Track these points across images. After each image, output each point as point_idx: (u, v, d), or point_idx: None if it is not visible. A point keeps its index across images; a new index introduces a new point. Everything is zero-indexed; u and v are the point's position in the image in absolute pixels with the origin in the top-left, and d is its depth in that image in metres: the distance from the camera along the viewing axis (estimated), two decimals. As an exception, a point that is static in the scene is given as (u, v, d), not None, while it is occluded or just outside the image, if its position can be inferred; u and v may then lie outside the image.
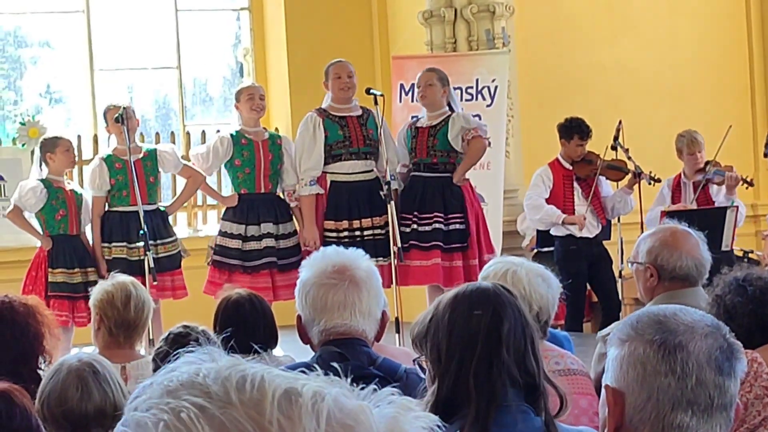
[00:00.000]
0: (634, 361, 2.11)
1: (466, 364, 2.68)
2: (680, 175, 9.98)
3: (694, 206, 9.73)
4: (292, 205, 8.78)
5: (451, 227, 8.55)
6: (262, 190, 8.78)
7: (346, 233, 8.53)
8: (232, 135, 8.86)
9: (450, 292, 2.83)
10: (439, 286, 8.55)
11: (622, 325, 2.18)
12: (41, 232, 8.84)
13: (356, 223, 8.56)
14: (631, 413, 2.11)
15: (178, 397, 1.10)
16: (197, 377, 1.12)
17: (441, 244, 8.50)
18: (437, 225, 8.52)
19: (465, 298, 2.76)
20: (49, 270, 8.69)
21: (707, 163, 9.82)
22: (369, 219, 8.57)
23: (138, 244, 8.61)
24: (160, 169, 8.98)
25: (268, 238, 8.66)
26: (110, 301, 4.90)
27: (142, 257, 8.56)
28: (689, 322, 2.13)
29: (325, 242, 8.30)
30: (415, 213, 8.57)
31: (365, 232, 8.55)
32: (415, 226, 8.55)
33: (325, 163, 8.63)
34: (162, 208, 9.02)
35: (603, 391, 2.17)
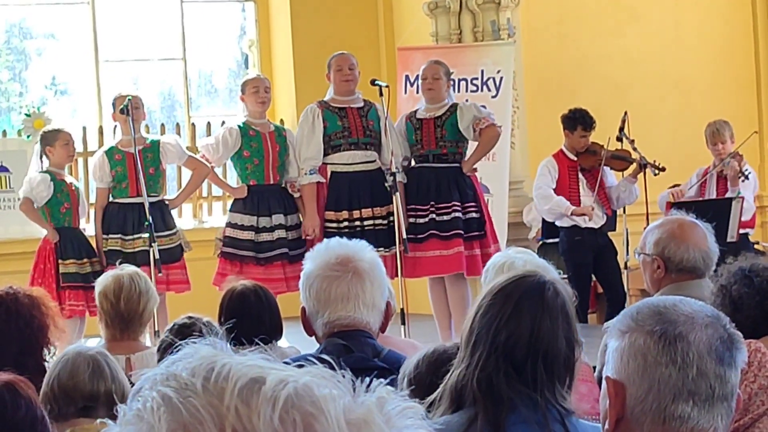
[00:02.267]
0: (635, 353, 2.11)
1: (496, 350, 2.67)
2: (711, 165, 9.99)
3: (701, 197, 9.75)
4: (295, 195, 8.79)
5: (468, 216, 8.59)
6: (271, 182, 8.78)
7: (346, 223, 8.54)
8: (240, 126, 8.85)
9: (500, 280, 2.81)
10: (443, 277, 8.57)
11: (621, 317, 2.17)
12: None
13: (356, 213, 8.57)
14: (632, 404, 2.11)
15: (154, 388, 1.12)
16: (177, 369, 1.13)
17: (462, 232, 8.52)
18: (456, 214, 8.54)
19: (509, 287, 2.75)
20: (60, 261, 8.70)
21: (730, 154, 9.82)
22: (369, 209, 8.58)
23: (137, 235, 8.63)
24: (162, 161, 8.96)
25: (280, 229, 8.67)
26: (104, 293, 4.91)
27: (137, 249, 8.58)
28: (689, 312, 2.13)
29: (326, 233, 8.32)
30: (432, 203, 8.57)
31: (365, 222, 8.56)
32: (433, 216, 8.56)
33: (325, 154, 8.64)
34: (166, 201, 9.01)
35: (604, 383, 2.16)
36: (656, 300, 2.19)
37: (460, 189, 8.63)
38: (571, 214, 9.74)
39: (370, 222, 8.57)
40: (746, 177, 9.73)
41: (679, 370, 2.08)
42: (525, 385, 2.65)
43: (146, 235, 8.54)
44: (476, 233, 8.62)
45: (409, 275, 8.64)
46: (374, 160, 8.69)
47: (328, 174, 8.65)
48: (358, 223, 8.55)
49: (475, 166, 8.76)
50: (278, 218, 8.68)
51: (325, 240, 3.59)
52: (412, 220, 8.59)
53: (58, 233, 8.75)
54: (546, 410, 2.62)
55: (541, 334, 2.67)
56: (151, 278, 6.64)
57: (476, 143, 8.78)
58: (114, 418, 1.17)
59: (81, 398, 3.61)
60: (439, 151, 8.68)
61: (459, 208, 8.56)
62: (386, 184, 8.42)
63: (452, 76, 9.02)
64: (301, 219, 8.80)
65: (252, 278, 7.62)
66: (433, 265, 8.54)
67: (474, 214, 8.64)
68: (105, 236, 8.81)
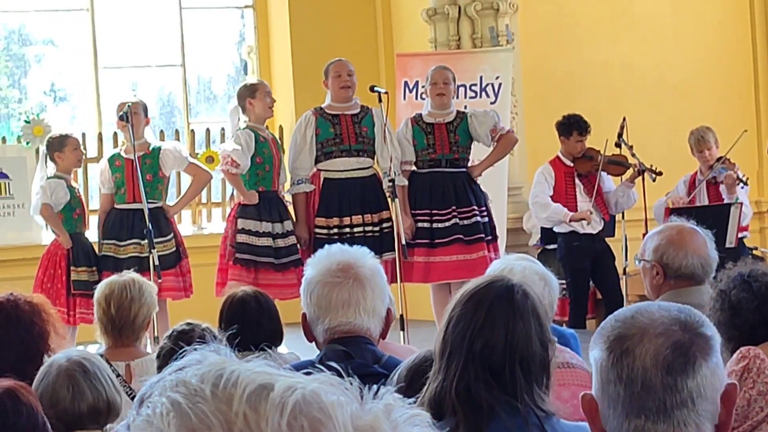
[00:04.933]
0: (598, 368, 2.10)
1: (473, 359, 2.67)
2: (696, 172, 9.97)
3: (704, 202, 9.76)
4: (286, 202, 8.80)
5: (484, 220, 8.67)
6: (276, 188, 8.79)
7: (336, 230, 8.55)
8: (251, 130, 8.77)
9: (468, 287, 2.82)
10: (448, 283, 8.59)
11: (598, 329, 2.16)
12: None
13: (346, 220, 8.58)
14: (603, 421, 2.08)
15: (163, 394, 1.14)
16: (187, 375, 1.14)
17: (483, 236, 8.60)
18: (476, 218, 8.61)
19: (478, 294, 2.76)
20: (73, 268, 8.68)
21: (719, 159, 9.80)
22: (360, 216, 8.59)
23: (130, 241, 8.63)
24: (161, 168, 8.95)
25: (292, 235, 8.67)
26: (97, 300, 4.92)
27: (128, 255, 8.58)
28: (645, 323, 2.08)
29: (316, 239, 8.35)
30: (454, 207, 8.61)
31: (355, 229, 8.56)
32: (456, 220, 8.59)
33: (319, 161, 8.66)
34: (163, 208, 8.98)
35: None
36: (622, 311, 2.15)
37: (475, 194, 8.71)
38: (570, 221, 9.76)
39: (360, 229, 8.58)
40: (745, 183, 9.74)
41: (625, 387, 2.05)
42: (504, 391, 2.65)
43: (143, 241, 8.55)
44: (491, 237, 8.71)
45: (421, 280, 8.66)
46: (368, 167, 8.71)
47: (321, 180, 8.67)
48: (347, 229, 8.55)
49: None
50: (288, 224, 8.68)
51: (326, 246, 3.59)
52: (426, 225, 8.59)
53: (72, 239, 8.75)
54: (526, 415, 2.62)
55: (516, 338, 2.68)
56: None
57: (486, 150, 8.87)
58: (103, 425, 1.19)
59: (66, 420, 3.62)
60: (452, 155, 8.73)
61: (477, 212, 8.63)
62: (385, 189, 8.45)
63: (452, 83, 9.04)
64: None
65: (267, 284, 7.63)
66: (457, 269, 8.54)
67: (487, 219, 8.72)
68: (103, 241, 8.82)
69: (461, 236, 8.57)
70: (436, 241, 8.57)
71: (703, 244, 4.37)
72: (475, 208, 8.66)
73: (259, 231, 8.60)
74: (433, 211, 8.63)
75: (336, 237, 8.35)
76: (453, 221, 8.60)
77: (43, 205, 8.75)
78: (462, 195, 8.67)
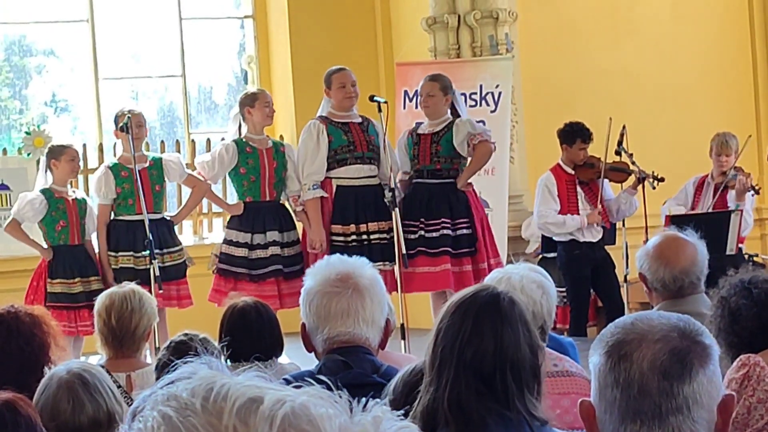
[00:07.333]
0: (596, 373, 2.11)
1: (464, 369, 2.67)
2: (707, 175, 9.95)
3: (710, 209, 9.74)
4: (298, 209, 8.78)
5: (459, 232, 8.56)
6: (267, 198, 8.78)
7: (353, 237, 8.54)
8: (236, 142, 8.85)
9: (454, 298, 2.82)
10: (446, 292, 8.56)
11: (598, 336, 2.17)
12: (43, 243, 8.88)
13: (363, 227, 8.57)
14: (600, 426, 2.09)
15: (155, 408, 1.14)
16: (177, 389, 1.15)
17: (450, 249, 8.50)
18: (445, 231, 8.52)
19: (464, 304, 2.76)
20: (48, 281, 8.72)
21: (734, 168, 9.79)
22: (375, 223, 8.58)
23: (144, 252, 8.60)
24: (165, 178, 8.98)
25: (274, 246, 8.66)
26: (98, 311, 4.92)
27: (148, 266, 8.56)
28: (644, 329, 2.10)
29: (333, 246, 8.32)
30: (422, 219, 8.57)
31: (372, 236, 8.56)
32: (422, 232, 8.55)
33: (330, 168, 8.63)
34: (167, 217, 9.04)
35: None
36: (623, 318, 2.17)
37: (452, 205, 8.61)
38: (588, 224, 9.77)
39: (376, 236, 8.57)
40: (757, 192, 9.73)
41: (621, 390, 2.06)
42: (496, 399, 2.65)
43: (160, 251, 8.59)
44: (466, 250, 8.60)
45: (409, 290, 8.64)
46: (375, 175, 8.70)
47: (333, 188, 8.65)
48: (365, 236, 8.56)
49: (470, 181, 8.75)
50: (273, 235, 8.68)
51: (325, 256, 3.60)
52: (406, 235, 8.58)
53: (53, 252, 8.77)
54: (518, 425, 2.62)
55: (505, 345, 2.69)
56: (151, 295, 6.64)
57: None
58: None
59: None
60: (433, 166, 8.68)
61: (448, 225, 8.54)
62: (385, 200, 8.42)
63: (451, 91, 9.00)
64: (299, 236, 8.80)
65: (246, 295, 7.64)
66: (422, 281, 8.55)
67: (465, 231, 8.60)
68: (114, 254, 8.80)
69: (424, 249, 8.52)
70: (409, 252, 8.49)
71: (687, 257, 4.39)
72: (446, 220, 8.52)
73: (238, 241, 8.67)
74: (408, 222, 8.59)
75: (354, 244, 8.37)
76: (419, 233, 8.56)
77: (11, 219, 8.81)
78: (434, 207, 8.56)
